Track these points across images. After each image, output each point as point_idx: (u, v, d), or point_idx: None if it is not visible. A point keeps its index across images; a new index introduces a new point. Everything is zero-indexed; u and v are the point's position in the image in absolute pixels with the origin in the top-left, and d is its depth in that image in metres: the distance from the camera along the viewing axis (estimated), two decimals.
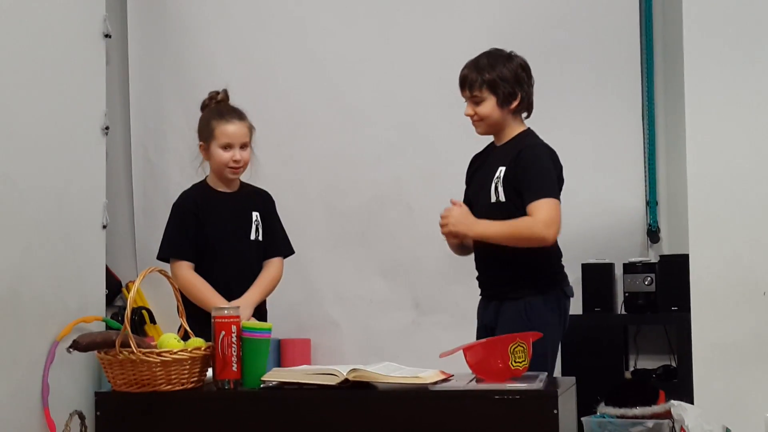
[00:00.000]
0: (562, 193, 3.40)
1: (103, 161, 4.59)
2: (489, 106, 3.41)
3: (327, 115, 4.93)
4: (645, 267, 4.39)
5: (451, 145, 4.73)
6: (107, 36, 4.69)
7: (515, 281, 3.37)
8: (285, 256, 3.83)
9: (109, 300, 4.74)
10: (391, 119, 4.85)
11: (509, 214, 3.33)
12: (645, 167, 4.60)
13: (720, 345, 3.71)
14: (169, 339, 2.70)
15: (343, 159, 4.90)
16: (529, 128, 3.49)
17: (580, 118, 4.62)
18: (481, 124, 3.45)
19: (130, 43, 5.16)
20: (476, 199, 3.47)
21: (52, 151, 4.13)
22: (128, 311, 2.63)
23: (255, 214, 3.70)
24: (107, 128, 4.65)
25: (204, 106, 3.79)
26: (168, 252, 3.62)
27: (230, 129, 3.60)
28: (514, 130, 3.45)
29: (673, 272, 4.26)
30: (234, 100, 4.98)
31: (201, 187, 3.71)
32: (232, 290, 3.56)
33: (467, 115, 3.47)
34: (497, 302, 3.41)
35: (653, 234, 4.59)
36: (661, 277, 4.37)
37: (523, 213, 3.31)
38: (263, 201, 3.78)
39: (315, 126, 4.94)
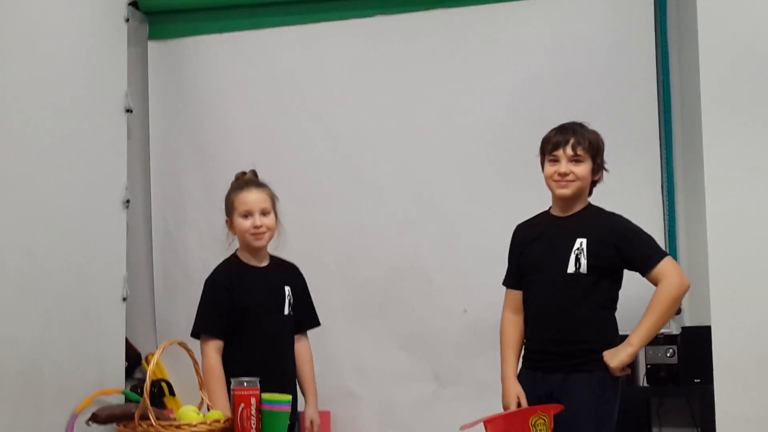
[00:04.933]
0: None
1: (123, 234, 4.62)
2: (586, 168, 3.41)
3: (345, 188, 4.95)
4: (667, 339, 4.36)
5: (468, 217, 4.75)
6: (128, 111, 4.76)
7: (587, 354, 3.33)
8: (312, 328, 3.85)
9: (129, 372, 4.74)
10: (408, 191, 4.87)
11: (588, 284, 3.34)
12: (665, 239, 4.58)
13: (744, 417, 3.65)
14: (189, 411, 2.69)
15: (362, 231, 4.91)
16: (590, 201, 3.51)
17: (599, 193, 4.61)
18: (574, 185, 3.41)
19: (151, 118, 5.22)
20: (541, 270, 3.43)
21: (73, 225, 4.16)
22: (148, 383, 2.62)
23: (287, 289, 3.70)
24: (128, 201, 4.70)
25: (231, 186, 3.82)
26: (200, 329, 3.60)
27: (248, 197, 3.62)
28: (583, 202, 3.46)
29: (696, 344, 4.23)
30: None
31: (232, 263, 3.71)
32: (265, 364, 3.51)
33: (561, 173, 3.40)
34: (563, 374, 3.34)
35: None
36: (683, 349, 4.33)
37: (603, 283, 3.37)
38: (293, 275, 3.79)
39: (333, 198, 4.96)
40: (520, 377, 3.46)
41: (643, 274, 3.33)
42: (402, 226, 4.87)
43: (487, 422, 2.70)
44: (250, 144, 5.06)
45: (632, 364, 4.38)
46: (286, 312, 3.67)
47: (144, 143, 5.22)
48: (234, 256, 3.71)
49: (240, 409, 2.65)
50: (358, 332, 4.87)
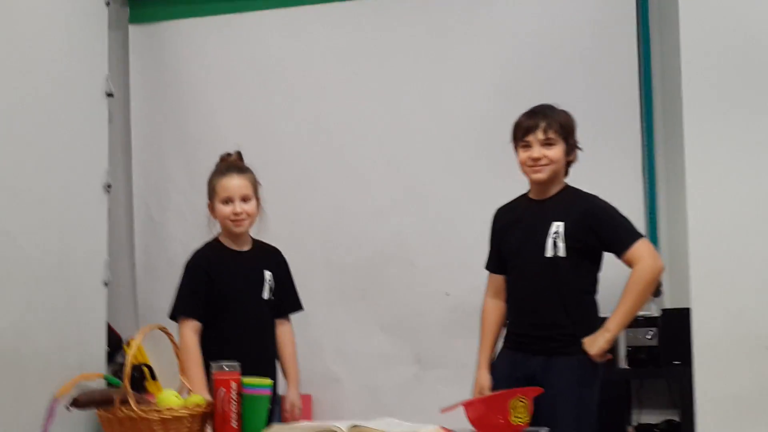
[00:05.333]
0: None
1: (105, 218, 4.61)
2: (559, 151, 3.40)
3: (328, 172, 4.96)
4: (647, 321, 4.38)
5: (451, 202, 4.76)
6: (110, 95, 4.74)
7: (568, 337, 3.34)
8: (294, 312, 3.84)
9: (110, 357, 4.74)
10: (391, 176, 4.88)
11: (566, 267, 3.34)
12: (646, 223, 4.60)
13: (723, 399, 3.68)
14: (169, 396, 2.69)
15: (345, 215, 4.92)
16: (567, 183, 3.50)
17: (580, 176, 4.60)
18: (548, 168, 3.40)
19: (132, 102, 5.21)
20: (519, 255, 3.44)
21: (54, 209, 4.15)
22: (128, 368, 2.62)
23: (268, 273, 3.69)
24: (109, 186, 4.69)
25: (215, 167, 3.81)
26: (177, 310, 3.60)
27: (228, 183, 3.61)
28: (559, 184, 3.45)
29: (676, 326, 4.26)
30: None
31: (213, 246, 3.70)
32: (245, 348, 3.50)
33: (534, 158, 3.40)
34: (544, 357, 3.35)
35: (655, 288, 4.57)
36: (663, 331, 4.36)
37: (582, 265, 3.38)
38: (275, 259, 3.78)
39: (316, 182, 4.96)
40: (500, 357, 3.49)
41: (618, 256, 3.34)
42: (385, 211, 4.88)
43: (467, 405, 2.70)
44: (233, 128, 5.05)
45: (613, 347, 4.42)
46: (266, 296, 3.66)
47: (125, 128, 5.21)
48: (215, 239, 3.70)
49: (220, 393, 2.65)
50: (341, 316, 4.88)
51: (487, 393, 3.41)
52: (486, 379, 3.48)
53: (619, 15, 4.65)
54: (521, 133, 3.43)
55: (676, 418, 4.41)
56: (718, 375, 3.71)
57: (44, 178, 4.11)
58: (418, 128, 4.87)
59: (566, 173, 3.49)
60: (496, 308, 3.55)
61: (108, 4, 4.86)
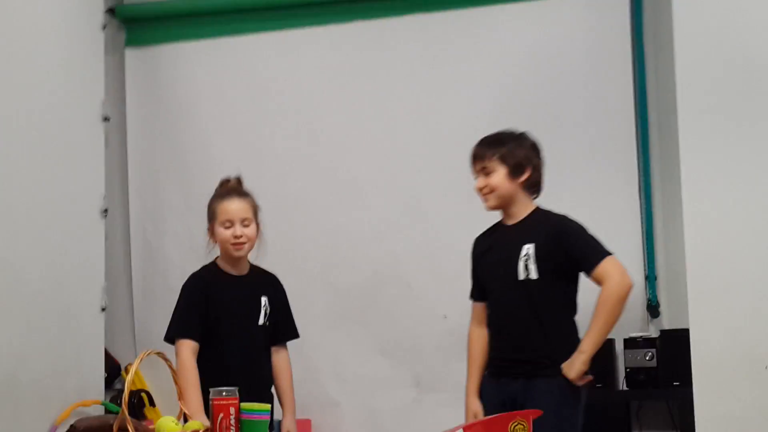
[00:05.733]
0: None
1: (102, 244, 4.60)
2: (500, 176, 3.43)
3: (325, 193, 4.95)
4: (646, 342, 4.37)
5: (450, 223, 4.75)
6: (106, 119, 4.74)
7: (548, 358, 3.34)
8: (290, 339, 3.83)
9: (108, 383, 4.72)
10: (389, 197, 4.87)
11: (540, 289, 3.36)
12: (643, 242, 4.60)
13: (723, 419, 3.67)
14: (167, 422, 2.68)
15: (342, 237, 4.91)
16: (538, 206, 3.51)
17: (576, 193, 4.63)
18: (492, 196, 3.45)
19: (128, 126, 5.21)
20: (495, 280, 3.46)
21: (51, 234, 4.14)
22: (126, 394, 2.61)
23: (264, 299, 3.69)
24: (106, 210, 4.68)
25: (215, 192, 3.81)
26: (173, 332, 3.59)
27: (229, 206, 3.62)
28: (526, 207, 3.46)
29: (674, 347, 4.24)
30: None
31: (211, 269, 3.70)
32: (239, 374, 3.49)
33: (478, 188, 3.47)
34: (524, 380, 3.36)
35: (653, 308, 4.58)
36: (662, 352, 4.34)
37: (557, 286, 3.40)
38: (272, 285, 3.78)
39: (313, 204, 4.96)
40: (484, 384, 3.51)
41: (587, 274, 3.36)
42: (382, 232, 4.87)
43: (467, 429, 2.69)
44: (229, 151, 5.05)
45: (611, 367, 4.42)
46: (261, 322, 3.65)
47: (122, 152, 5.21)
48: (213, 263, 3.70)
49: (219, 418, 2.64)
50: (338, 338, 4.87)
51: (481, 418, 3.41)
52: (476, 404, 3.52)
53: (614, 31, 4.66)
54: (470, 163, 3.48)
55: None
56: (718, 395, 3.69)
57: (40, 204, 4.10)
58: (415, 148, 4.88)
59: (535, 193, 3.51)
60: (481, 336, 3.58)
61: (104, 27, 4.87)
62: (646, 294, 4.58)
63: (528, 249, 3.37)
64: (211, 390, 2.73)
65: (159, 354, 2.76)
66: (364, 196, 4.92)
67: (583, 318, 3.49)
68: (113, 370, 4.89)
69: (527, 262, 3.36)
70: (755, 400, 3.65)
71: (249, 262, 3.72)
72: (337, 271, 4.92)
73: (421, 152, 4.86)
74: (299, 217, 4.96)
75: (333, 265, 4.93)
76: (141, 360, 2.62)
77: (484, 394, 3.50)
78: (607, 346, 4.42)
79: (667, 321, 4.57)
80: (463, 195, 4.73)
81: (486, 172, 3.45)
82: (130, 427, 2.56)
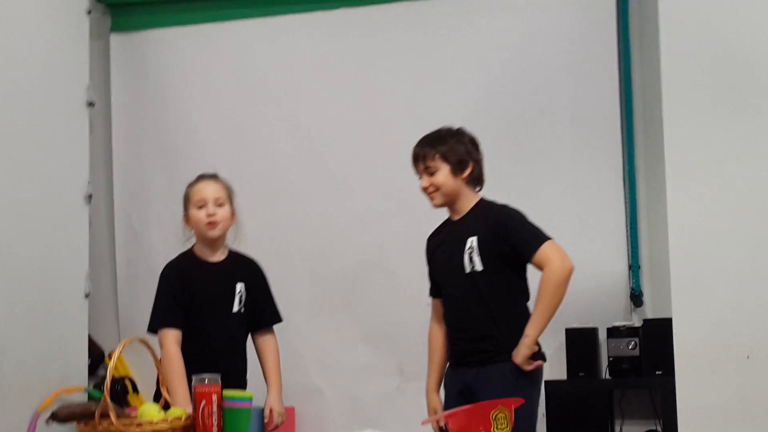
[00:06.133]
0: None
1: (86, 229, 4.59)
2: (443, 174, 3.48)
3: (310, 181, 4.95)
4: (629, 331, 4.39)
5: (435, 211, 4.73)
6: (91, 104, 4.72)
7: (499, 345, 3.38)
8: (274, 323, 3.82)
9: (92, 370, 4.71)
10: (373, 185, 4.87)
11: (487, 279, 3.39)
12: (627, 231, 4.61)
13: (705, 408, 3.69)
14: (150, 409, 2.68)
15: (326, 224, 4.91)
16: (481, 197, 3.54)
17: (561, 183, 4.65)
18: (437, 194, 3.51)
19: (113, 112, 5.19)
20: (446, 276, 3.51)
21: (34, 220, 4.13)
22: (108, 381, 2.60)
23: (239, 286, 3.67)
24: (90, 196, 4.66)
25: None
26: (156, 322, 3.58)
27: (202, 187, 3.61)
28: (470, 200, 3.51)
29: (657, 336, 4.26)
30: (216, 166, 4.98)
31: (186, 256, 3.69)
32: (216, 361, 3.49)
33: (423, 188, 3.53)
34: (478, 367, 3.41)
35: (636, 298, 4.59)
36: (645, 341, 4.36)
37: (504, 275, 3.42)
38: (250, 271, 3.75)
39: (297, 192, 4.95)
40: (446, 375, 3.55)
41: (528, 260, 3.38)
42: (367, 220, 4.87)
43: (449, 417, 2.70)
44: (215, 137, 5.04)
45: (594, 356, 4.44)
46: (235, 309, 3.64)
47: (106, 137, 5.19)
48: (189, 250, 3.69)
49: (201, 406, 2.64)
50: (323, 326, 4.87)
51: (439, 412, 3.46)
52: (436, 401, 3.57)
53: (600, 23, 4.67)
54: (412, 164, 3.53)
55: (659, 428, 4.41)
56: (700, 384, 3.71)
57: (24, 189, 4.08)
58: (400, 136, 4.82)
59: (478, 186, 3.53)
60: (440, 332, 3.64)
61: (89, 12, 4.84)
62: (630, 283, 4.60)
63: (471, 242, 3.41)
64: (194, 377, 2.73)
65: (142, 341, 2.76)
66: (348, 184, 4.92)
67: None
68: (97, 357, 4.88)
69: (471, 255, 3.41)
70: (737, 389, 3.67)
71: (227, 247, 3.70)
72: (322, 258, 4.92)
73: (407, 140, 4.83)
74: (284, 204, 4.96)
75: (317, 253, 4.93)
76: (123, 347, 2.62)
77: (446, 384, 3.56)
78: (590, 334, 4.45)
79: (650, 310, 4.59)
80: None
81: (429, 171, 3.49)
82: (111, 414, 2.56)
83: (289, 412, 4.78)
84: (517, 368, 3.36)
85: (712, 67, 3.76)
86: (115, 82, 5.20)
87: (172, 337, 3.51)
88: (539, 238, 3.38)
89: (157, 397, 2.89)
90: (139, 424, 2.58)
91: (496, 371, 3.37)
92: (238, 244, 3.75)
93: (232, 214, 3.65)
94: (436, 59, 4.85)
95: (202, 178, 3.66)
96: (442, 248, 3.57)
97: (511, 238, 3.40)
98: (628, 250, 4.60)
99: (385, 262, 4.83)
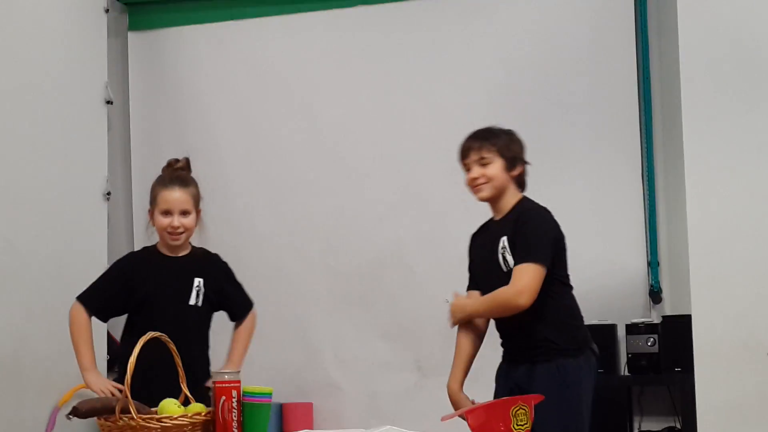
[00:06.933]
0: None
1: (104, 226, 4.61)
2: (496, 167, 3.41)
3: (328, 178, 4.95)
4: (648, 328, 4.38)
5: (450, 207, 4.75)
6: (109, 102, 4.74)
7: (546, 344, 3.35)
8: (247, 311, 3.80)
9: (111, 365, 4.72)
10: (391, 181, 4.87)
11: None
12: (645, 228, 4.60)
13: (724, 405, 3.68)
14: (170, 404, 2.68)
15: (344, 221, 4.92)
16: (524, 196, 3.50)
17: (580, 180, 4.64)
18: (487, 186, 3.43)
19: (131, 109, 5.21)
20: (485, 274, 3.47)
21: (53, 217, 4.15)
22: (128, 377, 2.61)
23: (197, 280, 3.66)
24: (109, 193, 4.68)
25: (162, 172, 3.77)
26: (81, 294, 3.59)
27: (169, 196, 3.59)
28: (512, 200, 3.46)
29: (676, 333, 4.25)
30: (233, 164, 5.03)
31: (147, 250, 3.70)
32: (164, 354, 3.44)
33: (472, 178, 3.44)
34: (529, 365, 3.37)
35: (655, 294, 4.58)
36: (664, 338, 4.35)
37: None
38: (210, 265, 3.73)
39: (316, 188, 4.96)
40: (498, 370, 3.50)
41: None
42: (384, 216, 4.87)
43: (468, 413, 2.69)
44: (232, 134, 5.05)
45: (613, 352, 4.42)
46: (192, 302, 3.63)
47: (125, 135, 5.21)
48: (155, 244, 3.69)
49: (221, 401, 2.64)
50: (340, 323, 4.87)
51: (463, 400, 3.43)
52: (462, 398, 3.50)
53: (618, 19, 4.66)
54: (460, 156, 3.49)
55: (678, 425, 4.40)
56: (719, 381, 3.70)
57: (44, 186, 4.11)
58: (417, 133, 4.87)
59: (522, 188, 3.49)
60: (469, 328, 3.56)
61: (107, 11, 4.87)
62: (649, 280, 4.59)
63: (503, 241, 3.38)
64: (213, 372, 2.73)
65: (161, 336, 2.76)
66: (366, 180, 4.92)
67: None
68: (115, 353, 4.89)
69: (504, 254, 3.37)
70: (756, 385, 3.66)
71: (190, 244, 3.70)
72: (339, 254, 4.93)
73: (424, 136, 4.86)
74: (301, 200, 4.97)
75: (335, 249, 4.93)
76: (143, 342, 2.62)
77: (498, 379, 3.51)
78: (609, 331, 4.44)
79: (669, 307, 4.58)
80: (464, 179, 4.76)
81: (483, 162, 3.44)
82: (132, 408, 2.56)
83: (308, 408, 4.79)
84: (565, 366, 3.33)
85: (730, 64, 3.75)
86: (133, 79, 5.22)
87: (82, 308, 3.52)
88: (529, 255, 3.27)
89: (175, 392, 2.90)
90: (160, 419, 2.59)
91: (544, 369, 3.34)
92: (202, 242, 3.72)
93: (198, 218, 3.63)
94: (453, 56, 4.85)
95: (172, 182, 3.63)
96: (482, 247, 3.53)
97: (517, 238, 3.36)
98: (646, 246, 4.59)
99: (403, 258, 4.84)
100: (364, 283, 4.88)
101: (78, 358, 3.32)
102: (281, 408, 4.74)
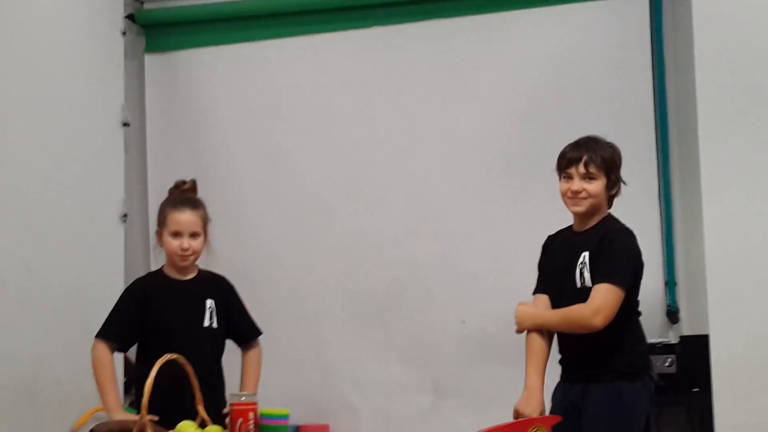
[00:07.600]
0: None
1: (121, 248, 4.62)
2: (599, 185, 3.37)
3: (343, 199, 4.96)
4: (665, 348, 4.35)
5: (466, 228, 4.75)
6: (126, 124, 4.76)
7: (604, 364, 3.32)
8: (254, 337, 3.79)
9: (128, 387, 4.72)
10: (406, 202, 4.87)
11: None
12: (662, 247, 4.59)
13: (743, 427, 3.66)
14: (187, 427, 2.69)
15: (360, 242, 4.91)
16: (609, 212, 3.47)
17: None
18: (586, 202, 3.38)
19: (148, 131, 5.22)
20: (556, 283, 3.43)
21: (71, 239, 4.16)
22: (145, 399, 2.62)
23: (209, 302, 3.66)
24: (125, 216, 4.70)
25: (169, 193, 3.78)
26: (99, 331, 3.58)
27: (180, 218, 3.59)
28: (600, 216, 3.43)
29: (694, 353, 4.22)
30: (250, 185, 5.03)
31: (154, 275, 3.70)
32: (179, 377, 3.43)
33: (573, 191, 3.38)
34: (583, 384, 3.34)
35: (673, 315, 4.56)
36: (681, 358, 4.32)
37: None
38: (219, 288, 3.73)
39: (331, 209, 4.96)
40: (556, 389, 3.45)
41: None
42: (401, 237, 4.87)
43: None
44: (249, 156, 5.06)
45: None
46: (206, 324, 3.62)
47: (141, 157, 5.22)
48: (160, 268, 3.70)
49: (238, 423, 2.64)
50: (357, 344, 4.86)
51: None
52: (537, 387, 3.37)
53: (634, 36, 4.65)
54: (564, 164, 3.41)
55: None
56: (738, 402, 3.68)
57: (61, 208, 4.12)
58: (434, 155, 4.87)
59: (610, 206, 3.46)
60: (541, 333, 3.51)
61: (124, 33, 4.89)
62: (666, 300, 4.57)
63: (584, 256, 3.33)
64: (230, 394, 2.73)
65: (178, 359, 2.77)
66: (382, 201, 4.92)
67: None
68: (132, 375, 4.89)
69: (582, 270, 3.33)
70: None
71: (197, 266, 3.70)
72: (356, 275, 4.92)
73: (440, 157, 4.86)
74: (317, 222, 4.97)
75: (351, 270, 4.93)
76: (161, 365, 2.63)
77: (554, 396, 3.47)
78: None
79: (687, 327, 4.55)
80: (482, 200, 4.76)
81: (589, 176, 3.39)
82: (149, 430, 2.57)
83: (324, 430, 4.78)
84: (619, 387, 3.29)
85: (747, 83, 3.75)
86: (149, 102, 5.23)
87: (104, 345, 3.51)
88: (611, 276, 3.24)
89: (191, 415, 2.89)
90: None
91: (599, 390, 3.30)
92: (209, 264, 3.72)
93: (205, 240, 3.64)
94: (469, 76, 4.86)
95: (182, 204, 3.64)
96: (556, 258, 3.47)
97: (599, 258, 3.32)
98: (664, 266, 4.58)
99: (419, 279, 4.83)
100: (380, 304, 4.87)
101: (103, 398, 3.27)
102: (298, 430, 4.73)
